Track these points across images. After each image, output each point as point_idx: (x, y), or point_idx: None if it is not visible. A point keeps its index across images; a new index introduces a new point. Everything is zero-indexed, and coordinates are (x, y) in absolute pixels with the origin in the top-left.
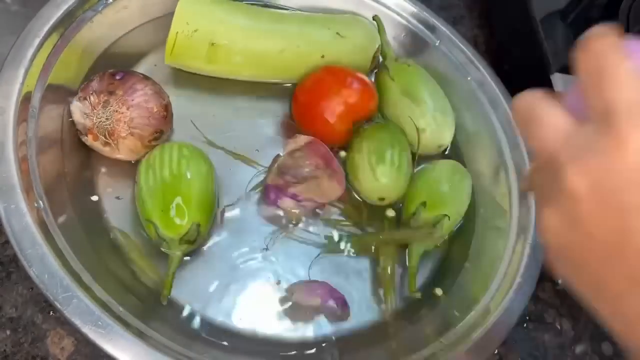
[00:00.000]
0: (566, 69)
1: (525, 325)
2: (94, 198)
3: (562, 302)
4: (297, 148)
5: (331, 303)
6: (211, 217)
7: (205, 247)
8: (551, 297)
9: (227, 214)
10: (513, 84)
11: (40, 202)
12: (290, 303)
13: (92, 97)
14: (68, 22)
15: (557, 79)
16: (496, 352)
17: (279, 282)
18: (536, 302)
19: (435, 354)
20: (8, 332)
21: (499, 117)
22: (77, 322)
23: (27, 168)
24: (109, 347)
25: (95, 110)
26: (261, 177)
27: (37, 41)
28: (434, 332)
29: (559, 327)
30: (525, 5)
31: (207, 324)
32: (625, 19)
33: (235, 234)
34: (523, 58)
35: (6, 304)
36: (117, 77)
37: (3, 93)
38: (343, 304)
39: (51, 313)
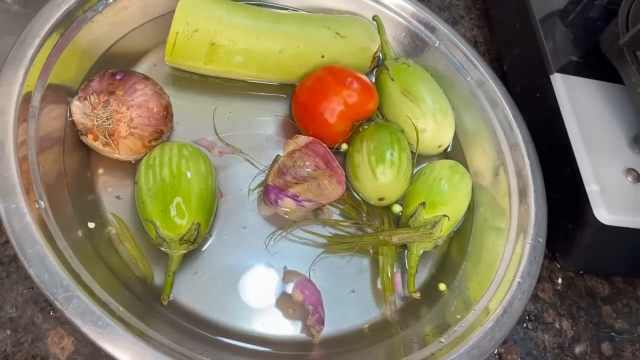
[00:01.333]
0: (566, 69)
1: (525, 325)
2: (91, 225)
3: (562, 302)
4: (297, 148)
5: (310, 319)
6: (211, 217)
7: (205, 247)
8: (551, 297)
9: (228, 214)
10: (513, 84)
11: (41, 202)
12: (288, 294)
13: (92, 97)
14: (68, 22)
15: (556, 79)
16: (496, 352)
17: (279, 281)
18: (536, 302)
19: (435, 354)
20: (8, 332)
21: (499, 117)
22: (77, 322)
23: (27, 168)
24: (109, 347)
25: (95, 110)
26: (261, 177)
27: (37, 41)
28: (434, 332)
29: (558, 327)
30: (525, 5)
31: (207, 323)
32: (625, 19)
33: (235, 234)
34: (523, 58)
35: (6, 304)
36: (117, 77)
37: (3, 93)
38: (320, 323)
39: (51, 313)
